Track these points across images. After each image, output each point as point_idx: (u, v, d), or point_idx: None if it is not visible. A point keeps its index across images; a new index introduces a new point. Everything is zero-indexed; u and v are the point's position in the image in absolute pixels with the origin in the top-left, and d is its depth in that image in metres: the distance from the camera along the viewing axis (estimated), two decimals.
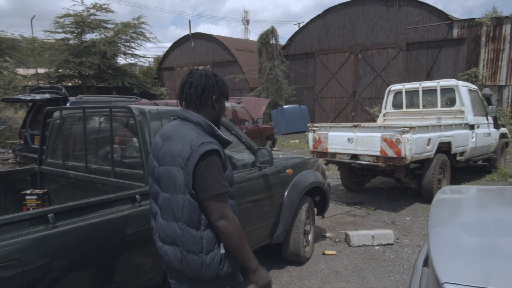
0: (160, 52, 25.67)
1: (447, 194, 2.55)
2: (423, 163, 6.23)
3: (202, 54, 21.93)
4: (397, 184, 7.25)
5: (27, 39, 21.22)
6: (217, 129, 1.77)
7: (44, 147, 3.58)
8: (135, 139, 2.91)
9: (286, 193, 3.75)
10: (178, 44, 23.49)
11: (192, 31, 22.93)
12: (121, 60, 23.25)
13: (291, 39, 17.75)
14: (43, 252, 1.90)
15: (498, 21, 12.03)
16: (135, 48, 22.03)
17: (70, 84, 21.33)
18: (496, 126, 8.16)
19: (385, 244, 4.57)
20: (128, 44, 21.75)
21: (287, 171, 3.84)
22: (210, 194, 1.59)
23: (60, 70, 19.63)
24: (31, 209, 3.36)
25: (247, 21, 46.39)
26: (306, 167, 4.22)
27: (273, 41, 17.07)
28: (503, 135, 8.57)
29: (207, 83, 1.75)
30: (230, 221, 1.62)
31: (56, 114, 3.50)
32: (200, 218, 1.63)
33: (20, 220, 1.92)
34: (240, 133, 3.41)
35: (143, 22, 21.56)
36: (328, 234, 4.95)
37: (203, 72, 1.79)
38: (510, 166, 8.87)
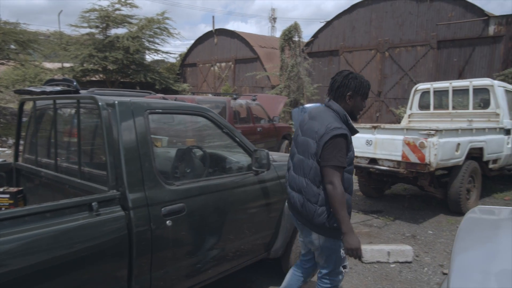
0: (186, 49, 25.53)
1: (477, 214, 2.04)
2: (450, 170, 5.62)
3: (225, 51, 21.62)
4: (420, 192, 6.64)
5: (55, 33, 21.57)
6: (350, 119, 2.30)
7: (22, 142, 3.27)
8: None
9: (287, 201, 3.30)
10: (201, 40, 23.28)
11: (219, 29, 22.66)
12: (148, 58, 23.34)
13: (315, 36, 17.13)
14: None
15: None
16: (159, 44, 22.00)
17: (94, 78, 21.51)
18: None
19: (402, 262, 4.04)
20: (152, 39, 21.74)
21: None
22: (327, 164, 2.14)
23: (85, 65, 19.78)
24: (3, 208, 3.07)
25: (274, 19, 45.81)
26: None
27: (296, 38, 16.50)
28: None
29: (343, 82, 2.31)
30: (335, 187, 2.10)
31: (38, 104, 3.19)
32: (321, 180, 2.21)
33: None
34: (234, 132, 2.99)
35: (167, 18, 21.45)
36: None
37: (346, 73, 2.35)
38: None
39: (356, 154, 5.69)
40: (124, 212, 2.15)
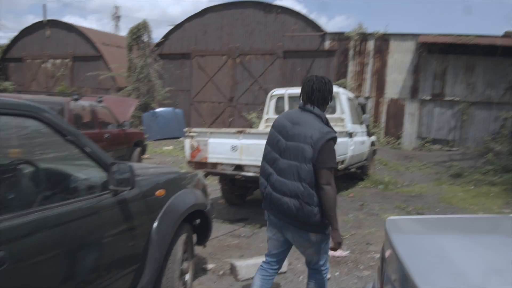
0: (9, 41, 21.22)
1: (407, 233, 1.96)
2: None
3: (60, 46, 18.88)
4: None
5: None
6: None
7: None
8: None
9: (155, 224, 2.67)
10: (29, 31, 19.83)
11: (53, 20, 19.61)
12: None
13: (166, 37, 16.44)
14: None
15: (364, 36, 12.95)
16: None
17: None
18: (368, 134, 8.43)
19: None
20: None
21: (157, 192, 2.77)
22: (325, 166, 2.34)
23: None
24: None
25: (118, 17, 42.88)
26: (183, 185, 3.22)
27: (146, 38, 15.49)
28: (373, 143, 8.94)
29: (331, 89, 2.56)
30: (333, 188, 2.37)
31: None
32: (315, 181, 2.37)
33: None
34: (82, 139, 2.23)
35: None
36: (210, 266, 4.00)
37: (325, 80, 2.54)
38: (378, 173, 9.32)
39: (220, 161, 5.40)
40: None
